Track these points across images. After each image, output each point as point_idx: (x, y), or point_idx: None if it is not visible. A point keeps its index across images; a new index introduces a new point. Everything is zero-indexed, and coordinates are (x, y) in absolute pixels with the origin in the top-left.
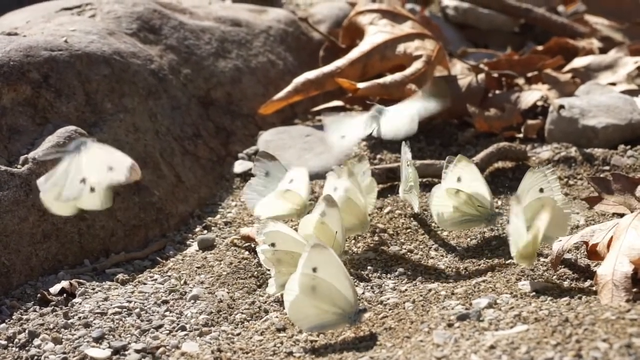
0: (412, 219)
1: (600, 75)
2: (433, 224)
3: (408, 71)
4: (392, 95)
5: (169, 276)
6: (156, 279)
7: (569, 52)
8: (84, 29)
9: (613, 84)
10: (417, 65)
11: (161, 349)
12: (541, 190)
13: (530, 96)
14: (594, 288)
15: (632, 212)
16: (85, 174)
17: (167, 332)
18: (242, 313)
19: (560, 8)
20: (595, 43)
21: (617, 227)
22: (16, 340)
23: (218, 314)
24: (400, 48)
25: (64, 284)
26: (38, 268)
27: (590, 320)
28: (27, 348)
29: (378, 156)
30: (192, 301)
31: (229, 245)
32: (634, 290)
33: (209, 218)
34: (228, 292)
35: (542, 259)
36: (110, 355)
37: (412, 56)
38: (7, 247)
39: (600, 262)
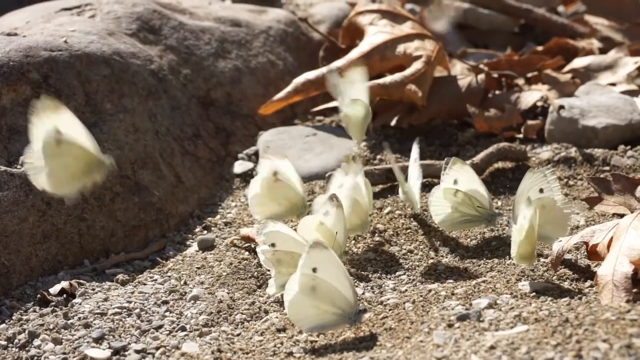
0: (412, 219)
1: (600, 76)
2: (433, 225)
3: (408, 71)
4: (392, 96)
5: (169, 276)
6: (156, 280)
7: (569, 52)
8: (84, 30)
9: (613, 84)
10: (417, 65)
11: (161, 350)
12: (541, 190)
13: (530, 96)
14: (594, 288)
15: (632, 212)
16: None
17: (167, 332)
18: (242, 313)
19: (560, 8)
20: (595, 43)
21: (617, 227)
22: (16, 340)
23: (218, 315)
24: (400, 48)
25: (64, 284)
26: (38, 268)
27: (590, 320)
28: (27, 348)
29: (378, 156)
30: (192, 301)
31: (229, 246)
32: (634, 290)
33: (209, 218)
34: (228, 293)
35: (542, 260)
36: (110, 355)
37: (412, 56)
38: (7, 248)
39: (601, 263)
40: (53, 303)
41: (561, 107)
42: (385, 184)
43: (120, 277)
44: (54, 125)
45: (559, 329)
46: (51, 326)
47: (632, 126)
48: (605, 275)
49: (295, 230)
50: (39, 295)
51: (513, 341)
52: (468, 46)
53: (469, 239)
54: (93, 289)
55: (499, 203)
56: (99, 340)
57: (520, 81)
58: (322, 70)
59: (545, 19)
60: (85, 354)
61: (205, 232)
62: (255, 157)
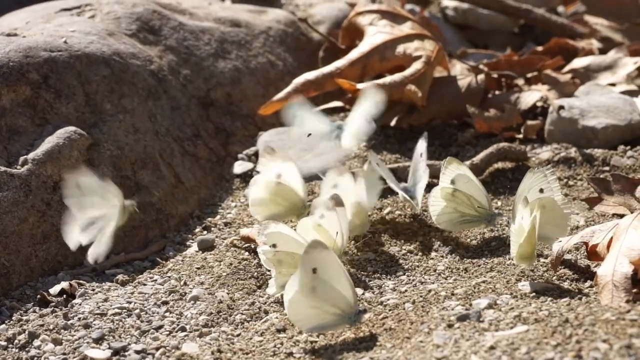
0: (412, 219)
1: (600, 76)
2: (433, 225)
3: (408, 72)
4: (391, 96)
5: (169, 277)
6: (156, 280)
7: (568, 52)
8: (84, 30)
9: (613, 84)
10: (416, 65)
11: (161, 350)
12: (541, 190)
13: (530, 97)
14: (594, 289)
15: (632, 212)
16: None
17: (167, 332)
18: (242, 314)
19: (560, 9)
20: (595, 44)
21: (617, 227)
22: (16, 341)
23: (218, 315)
24: (400, 49)
25: (64, 284)
26: (38, 269)
27: (590, 320)
28: (27, 349)
29: (378, 156)
30: (192, 302)
31: (229, 246)
32: (634, 290)
33: (209, 219)
34: (228, 293)
35: (542, 260)
36: (110, 356)
37: (411, 57)
38: (7, 248)
39: (600, 263)
40: (53, 303)
41: (561, 107)
42: (385, 184)
43: (120, 277)
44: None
45: (558, 329)
46: (51, 327)
47: (632, 126)
48: (605, 275)
49: (295, 230)
50: (38, 296)
51: (513, 341)
52: (468, 46)
53: (469, 239)
54: (93, 290)
55: (499, 203)
56: (98, 340)
57: (520, 81)
58: (322, 70)
59: (545, 19)
60: (85, 354)
61: (205, 232)
62: (255, 158)
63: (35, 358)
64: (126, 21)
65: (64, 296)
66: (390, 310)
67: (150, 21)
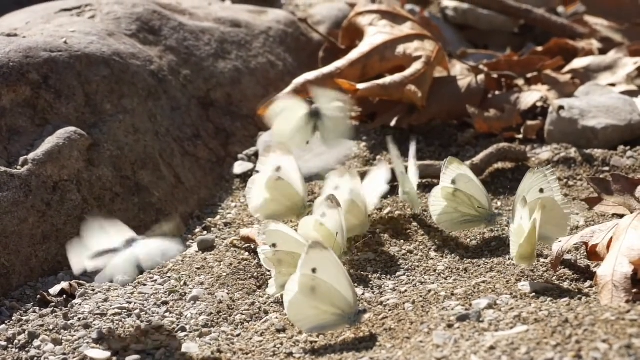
0: (411, 219)
1: (600, 76)
2: (433, 225)
3: (408, 72)
4: (391, 96)
5: (169, 277)
6: (156, 280)
7: (568, 52)
8: (84, 30)
9: (613, 84)
10: (416, 66)
11: (161, 350)
12: (541, 190)
13: (529, 97)
14: (593, 289)
15: (631, 212)
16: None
17: (167, 333)
18: (242, 314)
19: (560, 9)
20: (595, 44)
21: (617, 228)
22: (16, 341)
23: (218, 315)
24: (400, 49)
25: (64, 285)
26: (38, 269)
27: (590, 321)
28: (27, 349)
29: (378, 157)
30: (192, 302)
31: (229, 246)
32: (634, 291)
33: (209, 219)
34: (228, 293)
35: (542, 260)
36: (110, 356)
37: (411, 57)
38: (7, 248)
39: (600, 263)
40: (53, 304)
41: (561, 107)
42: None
43: (120, 277)
44: None
45: (558, 330)
46: (51, 327)
47: (632, 127)
48: (605, 275)
49: (296, 230)
50: (38, 296)
51: (513, 341)
52: (468, 47)
53: (469, 239)
54: (93, 290)
55: (499, 203)
56: (98, 340)
57: (520, 82)
58: (322, 70)
59: (545, 19)
60: (85, 354)
61: (205, 232)
62: (255, 158)
63: (35, 358)
64: (126, 21)
65: (64, 296)
66: (390, 310)
67: (150, 21)
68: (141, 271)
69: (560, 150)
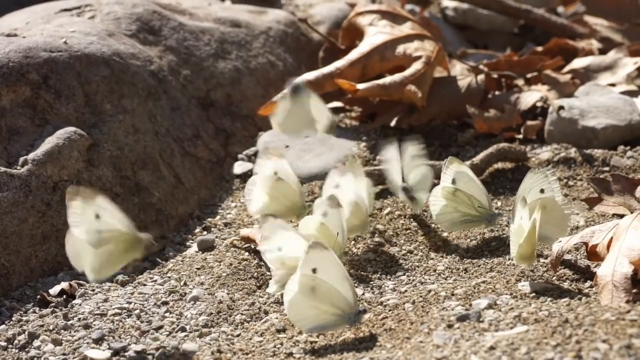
0: (411, 219)
1: (600, 76)
2: (433, 225)
3: (408, 72)
4: (391, 96)
5: (169, 277)
6: (156, 280)
7: (568, 52)
8: (84, 30)
9: (613, 84)
10: (416, 66)
11: (161, 350)
12: (542, 191)
13: (529, 97)
14: (594, 289)
15: (631, 212)
16: None
17: (167, 333)
18: (242, 314)
19: (560, 9)
20: (595, 44)
21: (617, 228)
22: (16, 341)
23: (218, 315)
24: (400, 49)
25: (64, 285)
26: (38, 269)
27: (590, 321)
28: (26, 349)
29: (378, 157)
30: (192, 302)
31: (229, 247)
32: (634, 291)
33: (209, 219)
34: (228, 293)
35: (542, 260)
36: (110, 356)
37: (411, 57)
38: (7, 249)
39: (600, 263)
40: (53, 304)
41: (561, 107)
42: (385, 184)
43: (119, 277)
44: (94, 215)
45: (558, 330)
46: (51, 327)
47: (632, 127)
48: (605, 275)
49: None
50: (38, 296)
51: (513, 342)
52: (468, 47)
53: (468, 240)
54: (93, 290)
55: (499, 203)
56: (98, 341)
57: (520, 82)
58: (322, 70)
59: (545, 19)
60: (85, 354)
61: (205, 232)
62: (255, 158)
63: (35, 358)
64: (126, 22)
65: (64, 296)
66: (390, 310)
67: (150, 22)
68: (140, 271)
69: (560, 151)
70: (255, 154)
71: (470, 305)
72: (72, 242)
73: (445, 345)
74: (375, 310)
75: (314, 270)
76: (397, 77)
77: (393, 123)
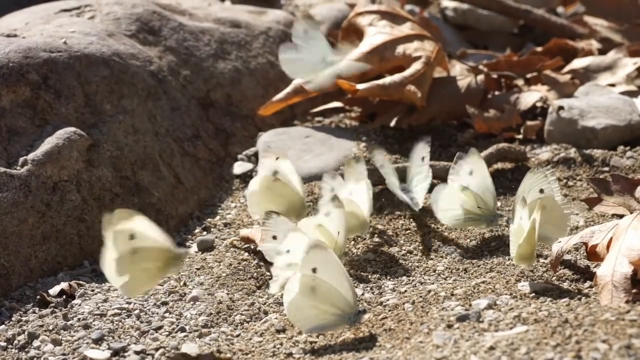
0: (411, 220)
1: (600, 76)
2: (433, 225)
3: (407, 72)
4: (391, 97)
5: (169, 277)
6: None
7: (568, 53)
8: (83, 31)
9: (612, 85)
10: (416, 66)
11: (160, 350)
12: (541, 191)
13: (529, 97)
14: (593, 289)
15: (631, 213)
16: None
17: (167, 333)
18: (241, 314)
19: (560, 9)
20: (595, 44)
21: (617, 228)
22: (15, 341)
23: (217, 315)
24: (400, 49)
25: (64, 285)
26: (37, 269)
27: (589, 321)
28: (26, 349)
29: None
30: (192, 302)
31: (229, 247)
32: (634, 291)
33: (209, 219)
34: (227, 294)
35: (541, 260)
36: (109, 356)
37: (411, 57)
38: (7, 249)
39: (600, 263)
40: (52, 304)
41: (560, 107)
42: (384, 184)
43: None
44: (128, 232)
45: (558, 330)
46: (51, 327)
47: (632, 127)
48: (605, 275)
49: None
50: (38, 297)
51: (512, 342)
52: (467, 47)
53: (468, 240)
54: (92, 290)
55: (499, 203)
56: (98, 341)
57: (520, 82)
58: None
59: (545, 19)
60: (84, 354)
61: (204, 233)
62: (255, 158)
63: (35, 358)
64: (126, 22)
65: (64, 297)
66: (389, 310)
67: (150, 22)
68: None
69: (560, 151)
70: (255, 154)
71: (470, 305)
72: (108, 259)
73: (445, 346)
74: (375, 310)
75: (314, 270)
76: (396, 77)
77: (393, 123)
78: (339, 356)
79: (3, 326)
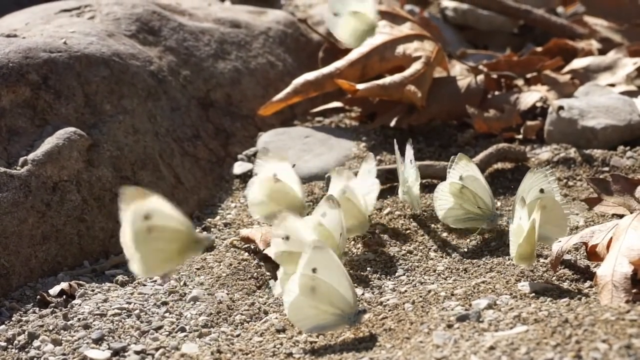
0: (411, 220)
1: (600, 77)
2: (433, 225)
3: (407, 72)
4: (391, 97)
5: (169, 277)
6: (156, 280)
7: (568, 53)
8: (83, 31)
9: (612, 85)
10: (416, 66)
11: (161, 350)
12: (542, 190)
13: (529, 97)
14: (593, 289)
15: (631, 213)
16: None
17: (167, 333)
18: (241, 314)
19: (560, 9)
20: (595, 44)
21: (617, 228)
22: (16, 341)
23: (218, 315)
24: (400, 49)
25: (64, 285)
26: (37, 270)
27: (589, 321)
28: (26, 349)
29: (377, 157)
30: (192, 302)
31: (229, 247)
32: (634, 291)
33: (209, 219)
34: (228, 294)
35: (541, 260)
36: (109, 356)
37: (411, 57)
38: (7, 249)
39: (600, 263)
40: (52, 304)
41: (560, 107)
42: (384, 184)
43: (119, 278)
44: (144, 211)
45: (558, 330)
46: (51, 327)
47: (631, 127)
48: (605, 275)
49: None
50: (38, 297)
51: (512, 342)
52: (467, 47)
53: (468, 240)
54: (92, 290)
55: (499, 203)
56: (98, 341)
57: (520, 82)
58: (322, 71)
59: (545, 19)
60: (84, 354)
61: (204, 233)
62: (255, 158)
63: (35, 358)
64: (126, 22)
65: (64, 297)
66: (390, 310)
67: (149, 22)
68: None
69: (559, 151)
70: (255, 154)
71: (470, 305)
72: (124, 234)
73: (445, 345)
74: (375, 310)
75: (314, 270)
76: (396, 77)
77: (393, 123)
78: (339, 356)
79: (3, 326)
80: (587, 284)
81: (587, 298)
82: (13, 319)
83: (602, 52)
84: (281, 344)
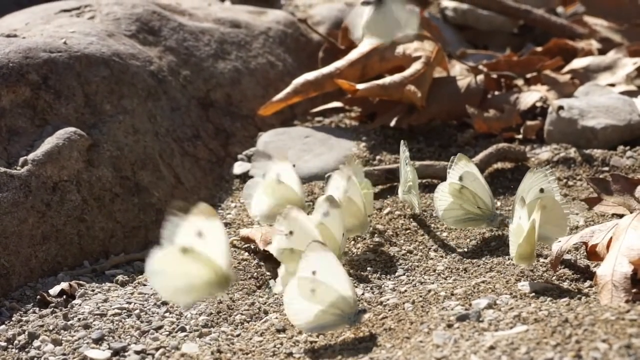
0: (411, 219)
1: (600, 76)
2: (433, 225)
3: (407, 72)
4: (391, 97)
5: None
6: None
7: (568, 53)
8: (83, 31)
9: (612, 85)
10: (416, 66)
11: (161, 350)
12: (542, 190)
13: (529, 97)
14: (593, 289)
15: (631, 212)
16: None
17: (167, 333)
18: (241, 314)
19: (560, 9)
20: (594, 44)
21: (617, 227)
22: (16, 341)
23: (218, 315)
24: (400, 49)
25: (64, 285)
26: (37, 269)
27: (589, 320)
28: (26, 349)
29: (377, 157)
30: None
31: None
32: (634, 290)
33: None
34: (228, 293)
35: (541, 260)
36: (110, 356)
37: (411, 57)
38: (7, 249)
39: (600, 263)
40: (53, 304)
41: (560, 107)
42: (384, 184)
43: (119, 278)
44: (195, 230)
45: (558, 329)
46: (51, 327)
47: (631, 127)
48: (605, 275)
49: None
50: (38, 297)
51: (512, 341)
52: (467, 47)
53: (468, 240)
54: (93, 290)
55: (499, 203)
56: (98, 341)
57: (520, 82)
58: (322, 71)
59: (545, 19)
60: (85, 354)
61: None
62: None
63: (35, 358)
64: (126, 22)
65: (64, 297)
66: (389, 310)
67: (149, 22)
68: (140, 271)
69: (559, 150)
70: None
71: (470, 305)
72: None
73: (445, 345)
74: (375, 310)
75: (314, 271)
76: (396, 77)
77: (393, 123)
78: (339, 356)
79: (3, 326)
80: (587, 283)
81: (587, 298)
82: (13, 319)
83: (602, 52)
84: (281, 343)
